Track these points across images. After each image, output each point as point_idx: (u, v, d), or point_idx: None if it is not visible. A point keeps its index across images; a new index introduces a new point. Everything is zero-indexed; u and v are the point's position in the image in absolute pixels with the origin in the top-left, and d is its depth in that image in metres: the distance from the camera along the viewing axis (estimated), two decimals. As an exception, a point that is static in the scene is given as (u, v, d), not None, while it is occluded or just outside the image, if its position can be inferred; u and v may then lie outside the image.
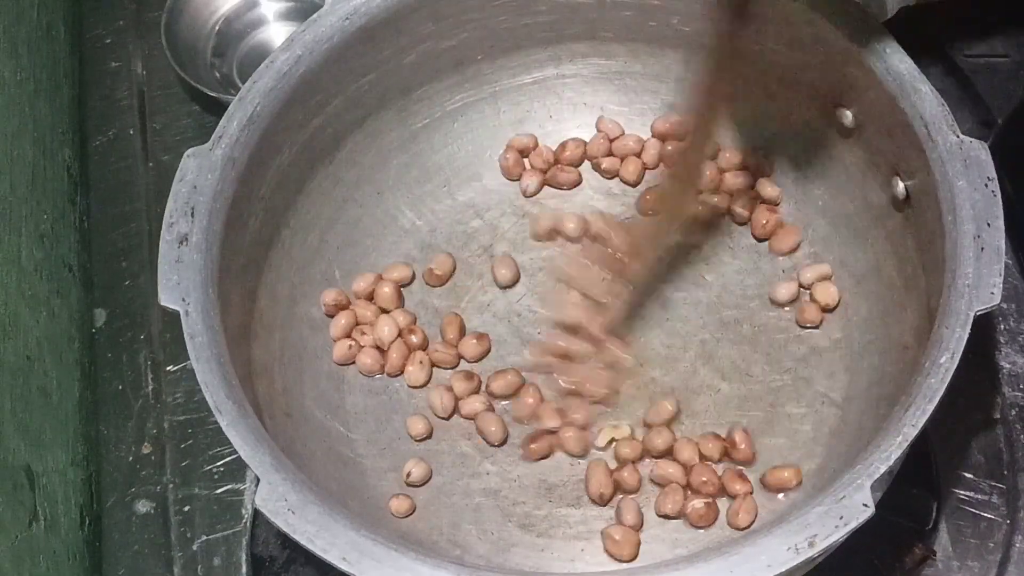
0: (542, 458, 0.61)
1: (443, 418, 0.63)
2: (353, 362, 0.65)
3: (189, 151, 0.58)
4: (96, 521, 0.68)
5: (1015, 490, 0.64)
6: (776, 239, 0.66)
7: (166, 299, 0.54)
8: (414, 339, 0.65)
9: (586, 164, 0.70)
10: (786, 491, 0.59)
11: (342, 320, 0.65)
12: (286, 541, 0.63)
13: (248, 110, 0.59)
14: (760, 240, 0.67)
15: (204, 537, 0.66)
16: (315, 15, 0.61)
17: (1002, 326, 0.68)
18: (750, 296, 0.65)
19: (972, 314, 0.50)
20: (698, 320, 0.65)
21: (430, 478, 0.61)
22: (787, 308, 0.64)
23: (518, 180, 0.70)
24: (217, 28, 0.82)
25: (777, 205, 0.67)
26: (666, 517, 0.59)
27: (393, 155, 0.68)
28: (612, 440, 0.61)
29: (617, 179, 0.70)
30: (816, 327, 0.63)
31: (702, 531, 0.59)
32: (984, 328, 0.68)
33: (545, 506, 0.60)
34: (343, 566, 0.47)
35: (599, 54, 0.69)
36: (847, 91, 0.61)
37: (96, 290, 0.75)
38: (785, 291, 0.64)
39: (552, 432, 0.61)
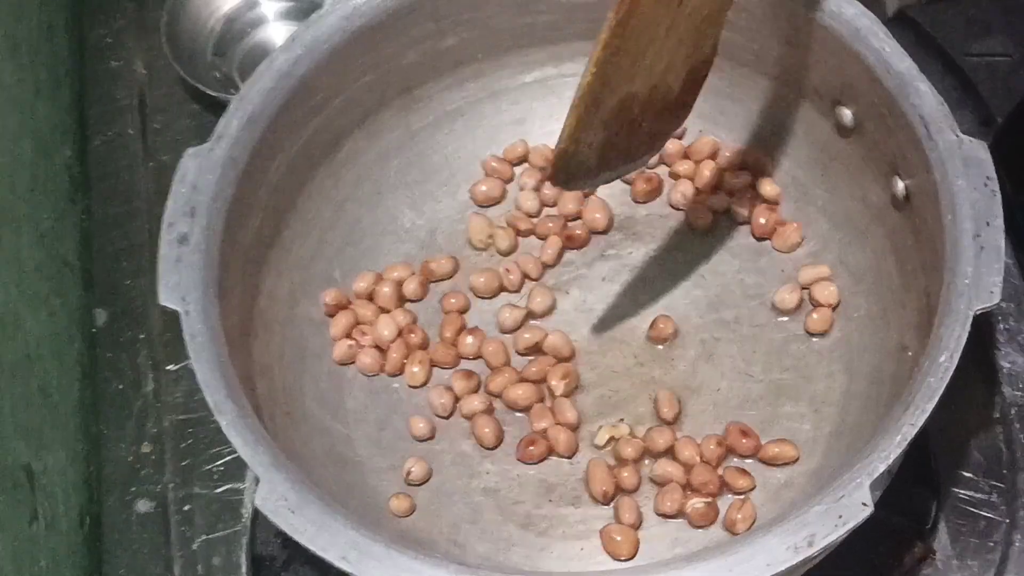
0: (539, 461, 0.61)
1: (443, 418, 0.63)
2: (353, 362, 0.65)
3: (189, 151, 0.58)
4: (96, 521, 0.68)
5: (1015, 490, 0.64)
6: (776, 238, 0.66)
7: (166, 299, 0.54)
8: (414, 339, 0.65)
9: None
10: (785, 465, 0.59)
11: (342, 320, 0.65)
12: (286, 541, 0.63)
13: (248, 110, 0.59)
14: (760, 239, 0.67)
15: (204, 537, 0.66)
16: (315, 15, 0.61)
17: (1002, 326, 0.68)
18: (750, 296, 0.65)
19: (972, 313, 0.50)
20: (698, 320, 0.65)
21: (430, 477, 0.61)
22: (790, 318, 0.64)
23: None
24: (217, 28, 0.82)
25: (777, 204, 0.67)
26: (665, 516, 0.59)
27: (393, 155, 0.68)
28: (611, 439, 0.61)
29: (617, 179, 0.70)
30: (822, 335, 0.63)
31: (701, 531, 0.59)
32: (984, 328, 0.68)
33: (545, 505, 0.60)
34: (343, 565, 0.48)
35: (599, 54, 0.69)
36: (847, 91, 0.61)
37: (96, 290, 0.75)
38: (790, 300, 0.64)
39: (543, 433, 0.61)
